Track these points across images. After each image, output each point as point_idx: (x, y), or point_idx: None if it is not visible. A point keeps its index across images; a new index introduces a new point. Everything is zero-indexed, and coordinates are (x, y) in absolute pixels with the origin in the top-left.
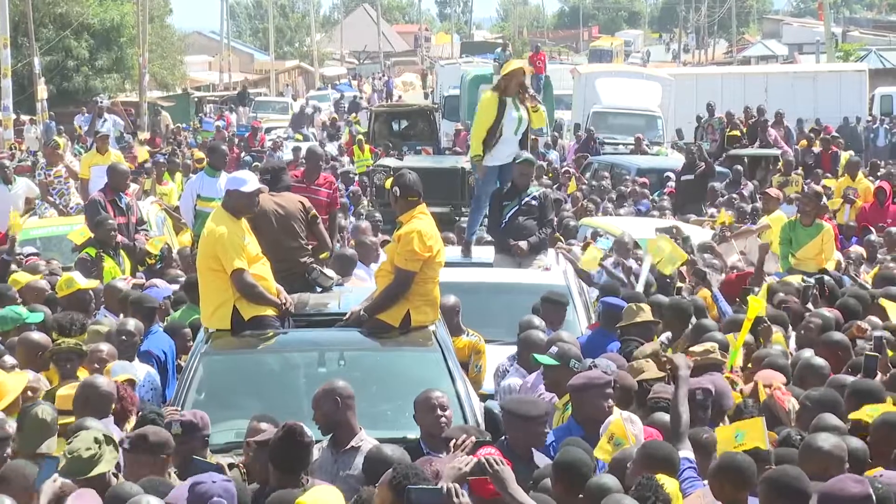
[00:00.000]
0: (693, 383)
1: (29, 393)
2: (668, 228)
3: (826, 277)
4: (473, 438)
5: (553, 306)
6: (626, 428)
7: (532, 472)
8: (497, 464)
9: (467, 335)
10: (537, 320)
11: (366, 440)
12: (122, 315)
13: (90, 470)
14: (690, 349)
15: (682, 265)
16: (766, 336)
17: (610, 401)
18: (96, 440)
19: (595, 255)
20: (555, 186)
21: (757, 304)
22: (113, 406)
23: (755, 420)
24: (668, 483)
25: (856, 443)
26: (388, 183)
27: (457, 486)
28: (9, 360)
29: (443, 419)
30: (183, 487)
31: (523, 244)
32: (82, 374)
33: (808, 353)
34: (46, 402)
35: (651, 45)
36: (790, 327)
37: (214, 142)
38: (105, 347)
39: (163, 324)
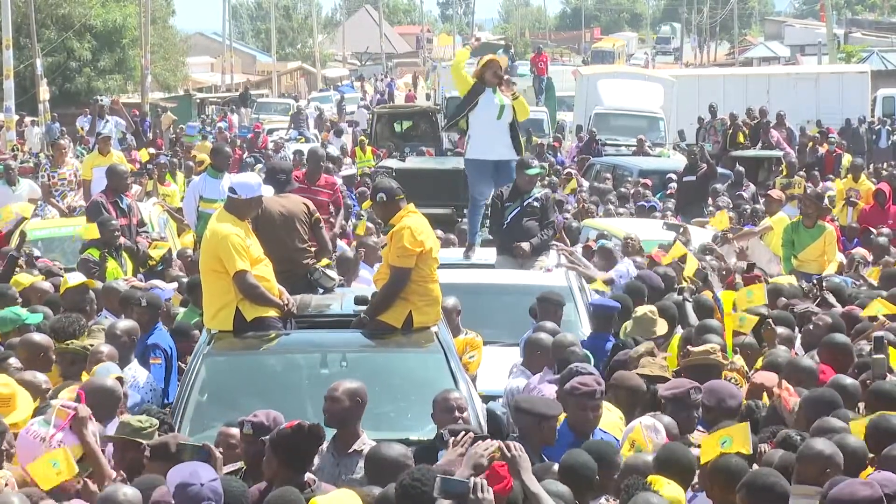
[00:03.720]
0: (685, 383)
1: (63, 395)
2: (676, 227)
3: (831, 279)
4: (472, 434)
5: (548, 306)
6: (645, 435)
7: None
8: (516, 450)
9: (465, 335)
10: (549, 324)
11: (368, 444)
12: (122, 316)
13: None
14: (691, 349)
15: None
16: (769, 338)
17: (594, 412)
18: (150, 417)
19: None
20: (560, 188)
21: (729, 297)
22: (119, 409)
23: (742, 425)
24: (672, 488)
25: (854, 442)
26: (366, 204)
27: (484, 481)
28: (14, 362)
29: (459, 421)
30: (167, 484)
31: (525, 245)
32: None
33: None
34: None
35: (647, 48)
36: (796, 328)
37: (218, 143)
38: (105, 349)
39: (163, 325)
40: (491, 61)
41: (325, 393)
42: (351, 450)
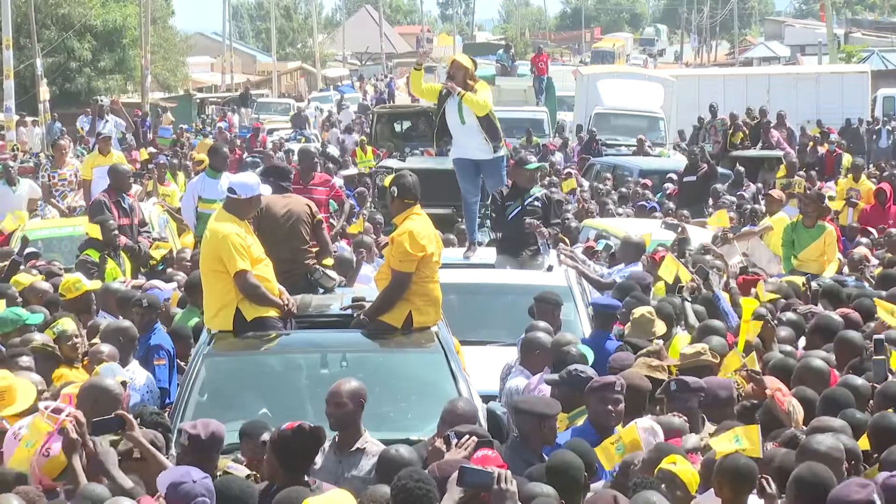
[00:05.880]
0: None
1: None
2: (674, 226)
3: (825, 280)
4: (475, 439)
5: (545, 306)
6: (638, 436)
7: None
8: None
9: None
10: (542, 323)
11: (370, 442)
12: (120, 317)
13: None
14: (682, 351)
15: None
16: (769, 337)
17: (615, 405)
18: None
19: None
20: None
21: (751, 305)
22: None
23: (753, 427)
24: (687, 468)
25: (849, 443)
26: (387, 181)
27: (507, 472)
28: (26, 359)
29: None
30: (158, 486)
31: (539, 224)
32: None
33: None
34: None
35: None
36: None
37: (216, 143)
38: (105, 349)
39: (163, 325)
40: (453, 63)
41: (325, 395)
42: (354, 448)
